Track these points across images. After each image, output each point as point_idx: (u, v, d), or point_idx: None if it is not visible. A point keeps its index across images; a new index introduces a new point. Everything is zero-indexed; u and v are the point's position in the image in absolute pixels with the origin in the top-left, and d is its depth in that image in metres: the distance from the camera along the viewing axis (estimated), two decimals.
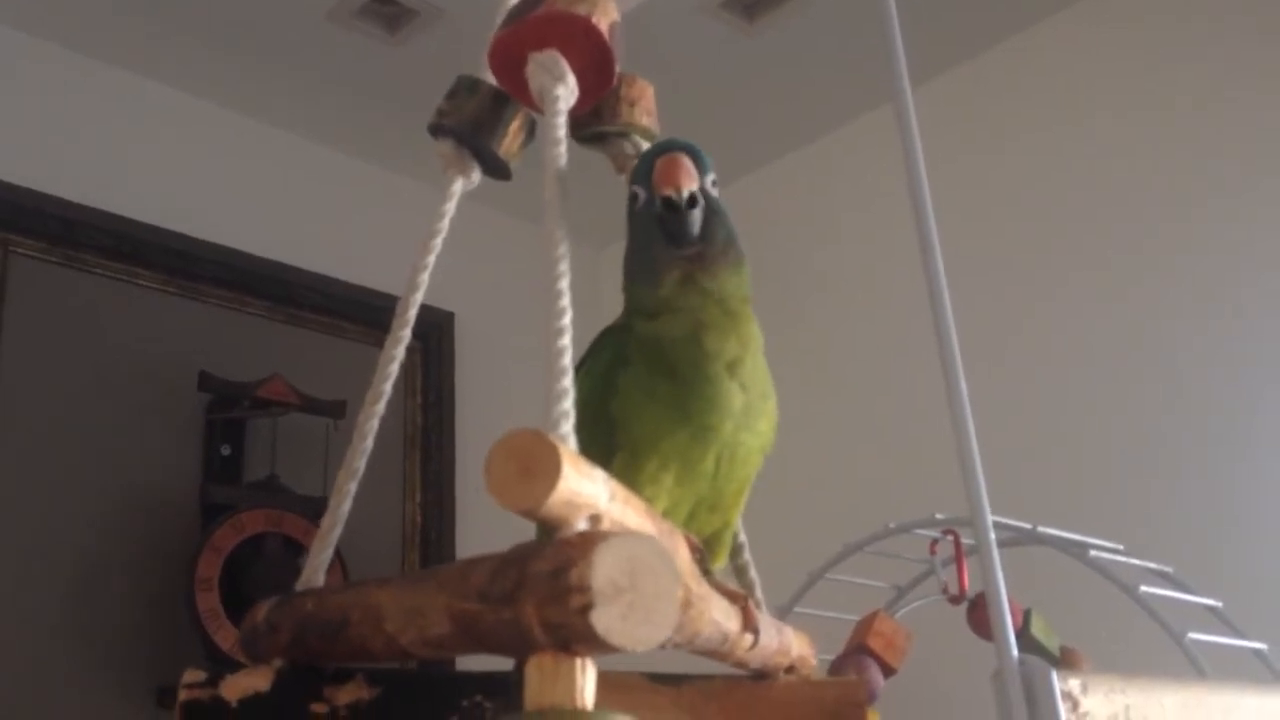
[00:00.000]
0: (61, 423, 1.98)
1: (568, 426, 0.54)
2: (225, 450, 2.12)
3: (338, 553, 2.45)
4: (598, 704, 0.46)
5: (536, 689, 0.45)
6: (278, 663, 0.65)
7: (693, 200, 0.74)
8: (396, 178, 2.55)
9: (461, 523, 2.43)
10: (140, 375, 2.09)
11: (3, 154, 2.01)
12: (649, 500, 0.67)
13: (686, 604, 0.60)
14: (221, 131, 2.34)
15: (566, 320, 0.58)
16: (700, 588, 0.64)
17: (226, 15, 2.09)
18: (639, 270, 0.76)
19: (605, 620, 0.42)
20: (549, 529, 0.49)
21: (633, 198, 0.77)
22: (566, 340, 0.58)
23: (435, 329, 2.53)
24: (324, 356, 2.33)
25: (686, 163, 0.74)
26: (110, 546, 1.97)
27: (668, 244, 0.74)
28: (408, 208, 2.40)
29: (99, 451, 2.00)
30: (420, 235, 0.80)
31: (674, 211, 0.73)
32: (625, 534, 0.44)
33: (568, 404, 0.55)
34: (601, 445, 0.72)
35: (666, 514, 0.72)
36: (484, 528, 2.40)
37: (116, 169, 2.17)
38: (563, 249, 0.63)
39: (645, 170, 0.76)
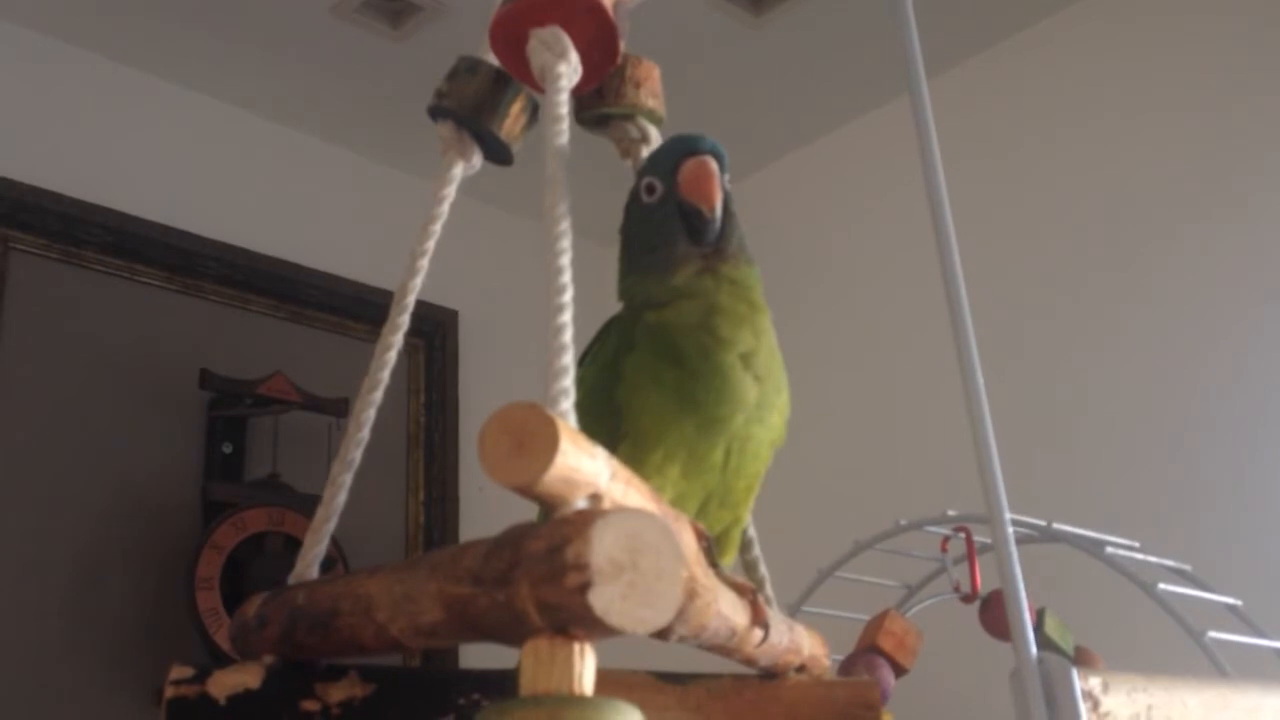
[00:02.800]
0: (62, 420, 1.96)
1: (567, 404, 0.52)
2: (227, 448, 2.10)
3: (340, 553, 2.45)
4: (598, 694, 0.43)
5: (531, 675, 0.42)
6: (268, 659, 0.63)
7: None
8: (399, 173, 2.53)
9: (465, 522, 2.41)
10: (141, 372, 2.07)
11: (3, 150, 2.00)
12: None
13: (693, 594, 0.57)
14: (224, 127, 2.33)
15: (567, 297, 0.56)
16: (708, 578, 0.61)
17: (229, 9, 2.08)
18: (651, 262, 0.74)
19: (604, 600, 0.40)
20: (546, 508, 0.46)
21: (648, 189, 0.75)
22: (567, 317, 0.55)
23: (439, 327, 2.51)
24: (326, 354, 2.31)
25: (717, 171, 0.73)
26: (110, 545, 1.95)
27: (690, 241, 0.73)
28: (411, 204, 2.37)
29: (99, 449, 1.98)
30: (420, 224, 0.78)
31: (702, 215, 0.73)
32: (626, 510, 0.42)
33: (567, 381, 0.52)
34: (606, 434, 0.69)
35: (674, 507, 0.70)
36: (487, 527, 2.36)
37: (117, 165, 2.15)
38: (564, 226, 0.60)
39: (667, 166, 0.74)
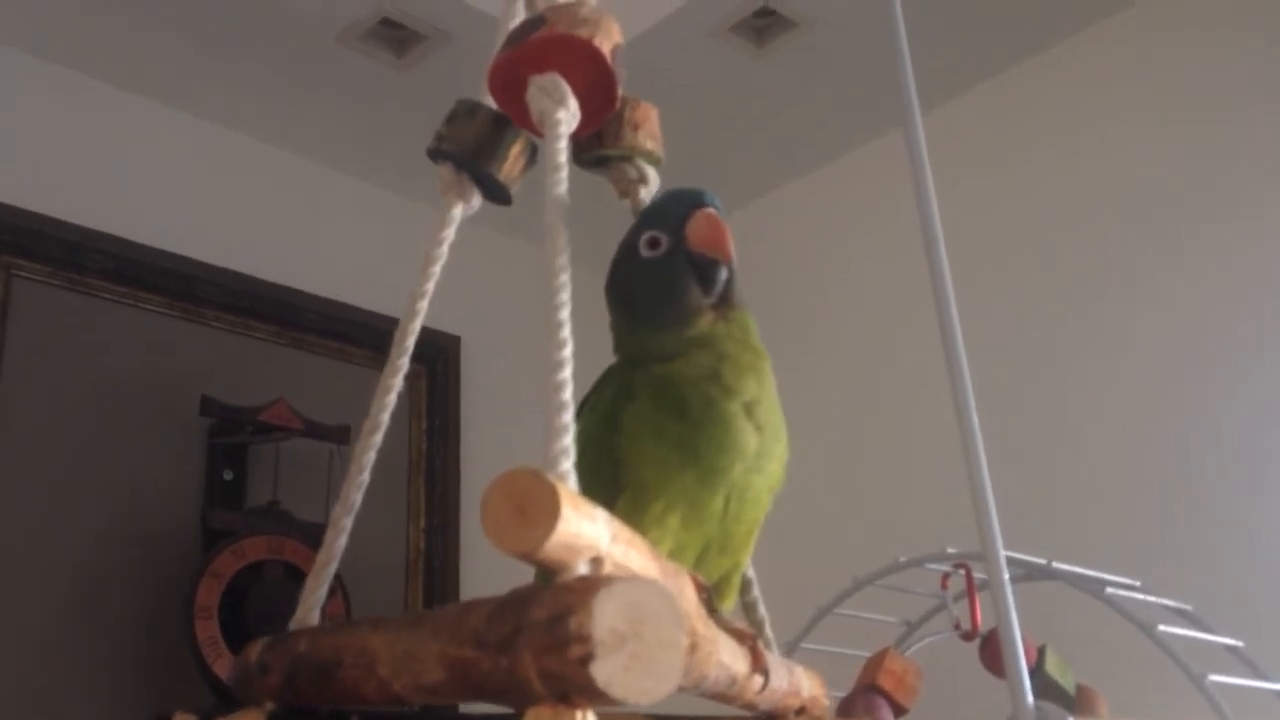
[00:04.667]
0: (62, 446, 1.96)
1: (567, 464, 0.52)
2: (227, 475, 2.10)
3: (340, 580, 2.43)
4: None
5: None
6: (270, 705, 0.62)
7: None
8: (402, 201, 2.54)
9: (466, 549, 2.40)
10: (142, 399, 2.07)
11: (6, 177, 2.00)
12: (654, 543, 0.65)
13: (693, 646, 0.57)
14: (227, 154, 2.34)
15: (567, 352, 0.56)
16: (707, 629, 0.61)
17: (234, 37, 2.09)
18: (666, 315, 0.75)
19: (606, 672, 0.40)
20: (548, 572, 0.46)
21: (651, 243, 0.75)
22: (567, 373, 0.55)
23: (441, 353, 2.51)
24: (329, 381, 2.31)
25: (723, 221, 0.75)
26: (109, 572, 1.94)
27: (702, 292, 0.74)
28: (414, 231, 2.36)
29: (99, 475, 1.98)
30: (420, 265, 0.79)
31: (715, 266, 0.74)
32: (628, 579, 0.42)
33: (567, 440, 0.52)
34: (606, 485, 0.70)
35: (673, 556, 0.70)
36: (489, 555, 2.35)
37: (120, 192, 2.16)
38: (564, 278, 0.61)
39: (674, 220, 0.75)
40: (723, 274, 0.74)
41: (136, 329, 2.11)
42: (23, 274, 2.00)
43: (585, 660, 0.40)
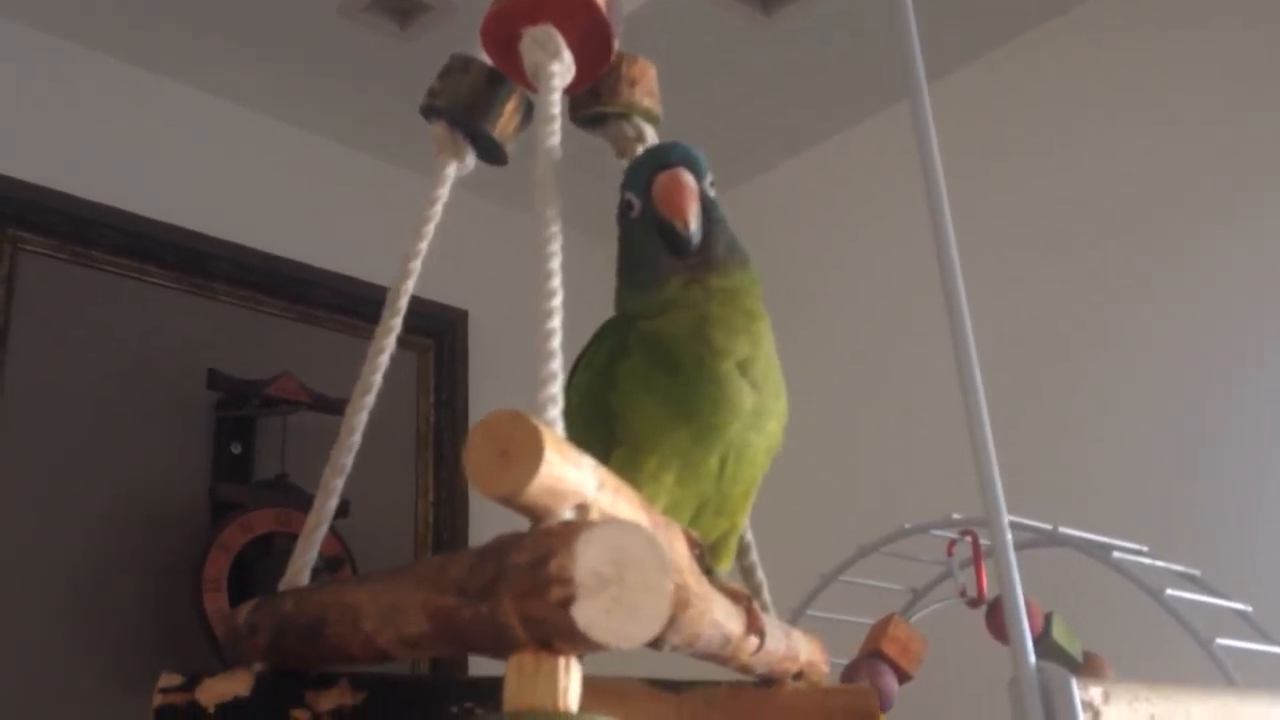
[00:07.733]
0: (70, 420, 1.96)
1: (554, 411, 0.51)
2: (235, 449, 2.10)
3: (348, 553, 2.42)
4: (587, 708, 0.43)
5: (515, 690, 0.42)
6: (258, 666, 0.62)
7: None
8: (408, 173, 2.52)
9: (474, 523, 2.40)
10: (149, 373, 2.07)
11: (13, 150, 2.00)
12: (648, 500, 0.64)
13: (685, 603, 0.56)
14: (233, 127, 2.33)
15: (557, 301, 0.55)
16: (700, 587, 0.60)
17: (237, 10, 2.08)
18: (638, 277, 0.73)
19: (587, 614, 0.39)
20: (533, 520, 0.46)
21: (627, 205, 0.74)
22: (556, 322, 0.55)
23: (449, 327, 2.51)
24: (336, 355, 2.31)
25: (690, 182, 0.71)
26: (117, 545, 1.95)
27: (672, 255, 0.71)
28: (419, 203, 2.37)
29: (107, 449, 1.98)
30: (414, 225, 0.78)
31: (676, 231, 0.71)
32: (611, 522, 0.41)
33: (555, 388, 0.52)
34: (600, 440, 0.69)
35: (667, 514, 0.69)
36: (498, 529, 2.35)
37: (127, 165, 2.15)
38: (554, 229, 0.60)
39: (642, 182, 0.72)
40: (689, 236, 0.71)
41: (143, 303, 2.11)
42: (29, 247, 1.99)
43: (566, 602, 0.39)
